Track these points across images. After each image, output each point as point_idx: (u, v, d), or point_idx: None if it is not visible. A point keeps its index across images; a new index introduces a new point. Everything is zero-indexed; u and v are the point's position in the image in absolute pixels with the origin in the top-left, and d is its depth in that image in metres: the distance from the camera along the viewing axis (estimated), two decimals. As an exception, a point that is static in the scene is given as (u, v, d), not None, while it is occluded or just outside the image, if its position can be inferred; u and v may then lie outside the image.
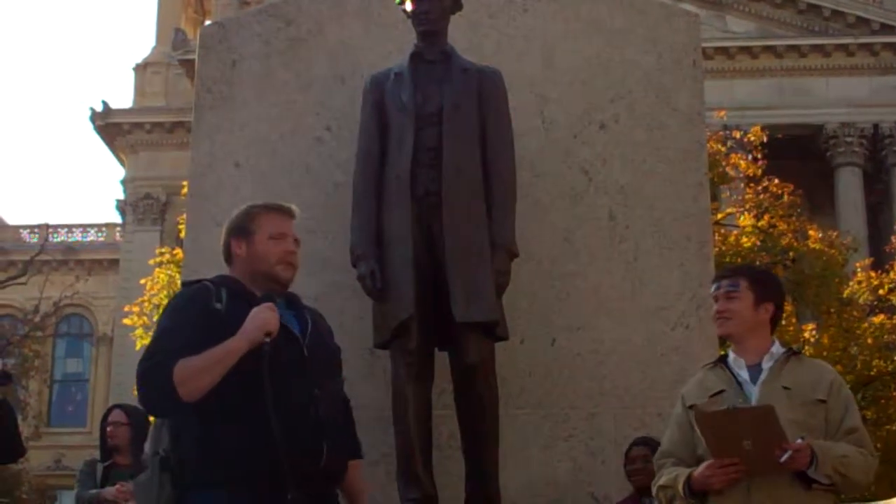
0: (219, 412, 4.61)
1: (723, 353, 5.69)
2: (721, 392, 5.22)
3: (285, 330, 4.80)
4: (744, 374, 5.27)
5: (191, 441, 4.70)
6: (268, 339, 4.64)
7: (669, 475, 5.26)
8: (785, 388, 5.14)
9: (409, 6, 7.81)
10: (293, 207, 5.28)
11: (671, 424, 5.47)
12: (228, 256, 5.18)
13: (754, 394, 5.17)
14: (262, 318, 4.67)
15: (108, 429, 8.85)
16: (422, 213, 7.47)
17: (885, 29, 43.43)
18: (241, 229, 5.12)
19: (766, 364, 5.27)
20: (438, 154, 7.54)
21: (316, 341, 4.95)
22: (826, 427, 5.10)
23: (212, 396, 4.61)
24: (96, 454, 9.21)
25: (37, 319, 44.90)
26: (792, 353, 5.36)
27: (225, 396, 4.61)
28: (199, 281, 5.06)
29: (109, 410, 9.21)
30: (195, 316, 4.75)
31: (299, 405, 4.65)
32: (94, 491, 8.56)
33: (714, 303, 5.40)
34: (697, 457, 5.18)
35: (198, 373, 4.57)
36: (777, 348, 5.35)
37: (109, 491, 8.39)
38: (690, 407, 5.27)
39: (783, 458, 4.85)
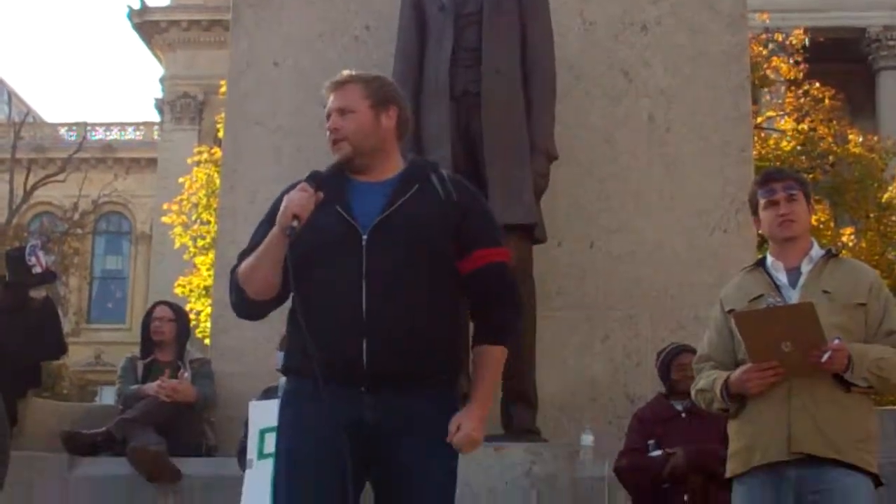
0: (296, 300, 4.46)
1: (760, 255, 5.66)
2: (760, 296, 5.20)
3: (338, 216, 4.42)
4: (782, 278, 5.24)
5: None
6: (294, 224, 4.29)
7: (708, 379, 5.25)
8: (825, 291, 5.11)
9: None
10: (341, 75, 4.72)
11: (710, 328, 5.45)
12: None
13: (794, 298, 5.14)
14: (288, 200, 4.35)
15: (154, 324, 8.87)
16: (460, 113, 7.44)
17: (933, -70, 42.76)
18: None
19: (806, 267, 5.24)
20: (478, 54, 7.50)
21: (396, 228, 4.42)
22: (865, 330, 5.09)
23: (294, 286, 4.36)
24: (136, 350, 9.26)
25: (76, 217, 45.02)
26: (831, 255, 5.33)
27: (296, 285, 4.33)
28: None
29: (154, 306, 9.24)
30: (271, 214, 4.47)
31: (343, 298, 4.33)
32: (135, 386, 8.63)
33: (766, 207, 5.34)
34: (737, 361, 5.16)
35: (250, 270, 4.41)
36: (816, 251, 5.31)
37: (151, 386, 8.44)
38: (730, 311, 5.25)
39: (823, 359, 4.84)
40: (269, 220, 4.52)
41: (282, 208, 4.33)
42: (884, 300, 5.18)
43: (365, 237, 4.40)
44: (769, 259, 5.34)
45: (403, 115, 4.70)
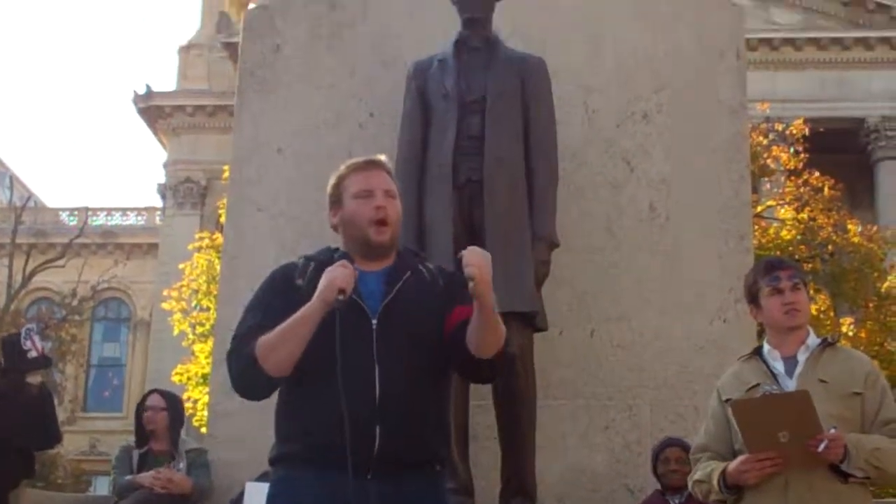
0: (296, 385, 4.44)
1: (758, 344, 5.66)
2: (757, 385, 5.20)
3: (353, 302, 4.39)
4: (779, 367, 5.25)
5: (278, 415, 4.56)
6: (341, 297, 4.28)
7: (705, 469, 5.24)
8: (822, 380, 5.11)
9: (454, -7, 7.81)
10: (379, 158, 4.79)
11: (707, 418, 5.45)
12: (333, 228, 4.80)
13: (790, 387, 5.15)
14: (332, 275, 4.34)
15: (146, 413, 8.84)
16: (463, 201, 7.47)
17: (930, 23, 43.15)
18: (332, 197, 4.72)
19: (802, 356, 5.25)
20: (481, 143, 7.54)
21: (397, 313, 4.46)
22: (862, 419, 5.08)
23: (294, 369, 4.39)
24: (132, 440, 9.21)
25: (75, 303, 45.02)
26: (827, 343, 5.33)
27: (301, 367, 4.38)
28: (305, 258, 4.71)
29: (147, 395, 9.21)
30: (275, 294, 4.53)
31: (356, 382, 4.32)
32: (129, 477, 8.57)
33: (770, 294, 5.35)
34: (734, 451, 5.15)
35: (277, 343, 4.35)
36: (812, 339, 5.32)
37: (145, 477, 8.39)
38: (727, 400, 5.24)
39: (820, 448, 4.82)
40: (266, 303, 4.53)
41: (326, 283, 4.32)
42: (880, 389, 5.18)
43: (375, 321, 4.42)
44: (766, 348, 5.36)
45: None
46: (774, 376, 5.20)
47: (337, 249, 4.67)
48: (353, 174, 4.66)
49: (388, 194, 4.63)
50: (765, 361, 5.28)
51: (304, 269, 4.57)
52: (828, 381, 5.11)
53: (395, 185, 4.69)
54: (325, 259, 4.53)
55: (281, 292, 4.53)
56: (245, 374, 4.47)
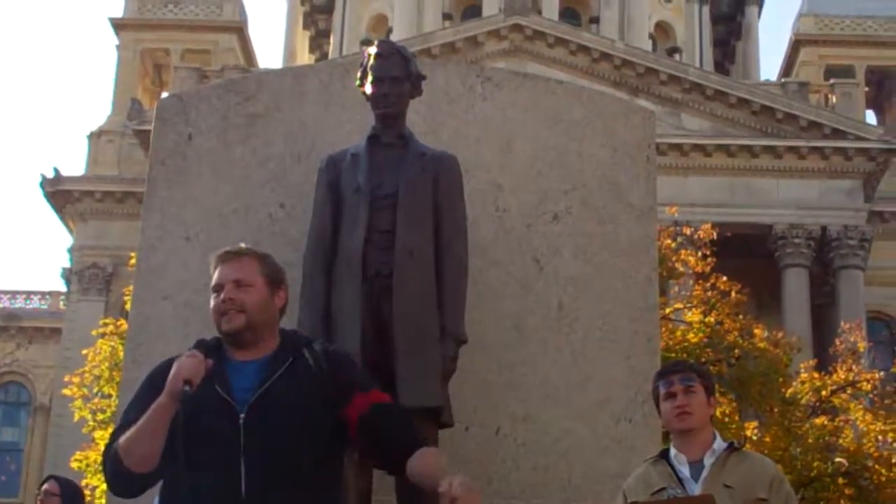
0: (168, 477, 4.38)
1: (663, 448, 5.67)
2: (662, 489, 5.20)
3: (215, 393, 4.39)
4: (685, 471, 5.27)
5: None
6: (187, 388, 4.25)
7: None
8: (726, 486, 5.13)
9: (368, 89, 7.82)
10: (238, 247, 4.85)
11: (613, 519, 5.45)
12: None
13: (696, 492, 5.16)
14: (178, 366, 4.33)
15: (40, 499, 8.76)
16: (372, 293, 7.45)
17: (836, 133, 44.06)
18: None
19: (708, 460, 5.27)
20: (391, 236, 7.54)
21: (272, 405, 4.41)
22: (767, 526, 5.10)
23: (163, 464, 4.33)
24: (27, 527, 9.11)
25: (-26, 385, 44.38)
26: (733, 448, 5.36)
27: (169, 462, 4.32)
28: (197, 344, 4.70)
29: (44, 481, 9.13)
30: (150, 389, 4.48)
31: (219, 479, 4.26)
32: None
33: (664, 398, 5.37)
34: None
35: (133, 441, 4.31)
36: (719, 443, 5.35)
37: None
38: (632, 503, 5.24)
39: (721, 554, 4.83)
40: (142, 398, 4.48)
41: (172, 374, 4.30)
42: (784, 496, 5.21)
43: (242, 416, 4.36)
44: (672, 451, 5.37)
45: (287, 297, 4.71)
46: (680, 480, 5.21)
47: (206, 341, 4.64)
48: (215, 268, 4.67)
49: (239, 284, 4.62)
50: (671, 465, 5.29)
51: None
52: (733, 486, 5.14)
53: (257, 270, 4.67)
54: (212, 346, 4.49)
55: (153, 388, 4.49)
56: (113, 473, 4.43)
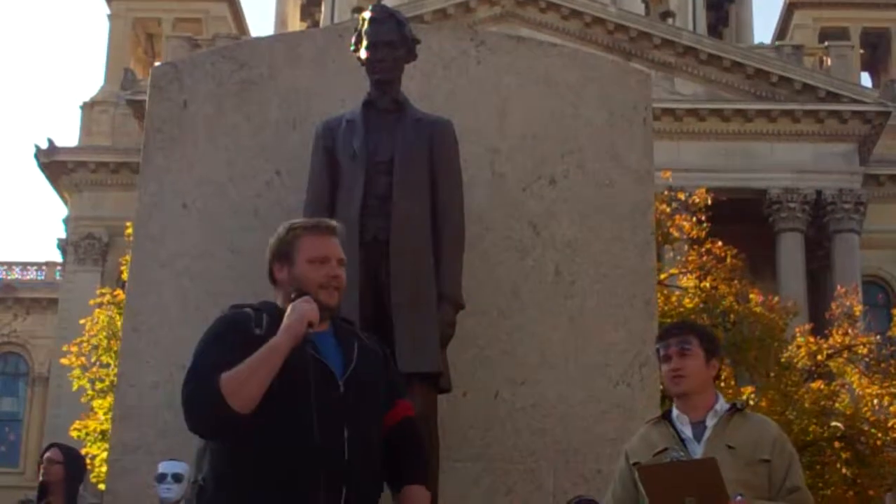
0: (256, 428, 4.43)
1: (665, 409, 5.66)
2: (665, 450, 5.20)
3: (319, 363, 4.54)
4: (687, 432, 5.25)
5: (226, 461, 4.55)
6: (311, 330, 4.44)
7: (611, 533, 5.24)
8: (729, 447, 5.12)
9: (363, 54, 7.80)
10: (334, 224, 4.93)
11: (615, 480, 5.45)
12: (273, 280, 4.87)
13: (698, 452, 5.16)
14: (301, 309, 4.45)
15: (42, 466, 8.79)
16: (369, 260, 7.44)
17: (831, 97, 43.98)
18: (282, 253, 4.79)
19: (710, 421, 5.25)
20: (388, 202, 7.54)
21: (360, 377, 4.62)
22: (769, 486, 5.09)
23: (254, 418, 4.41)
24: (29, 494, 9.12)
25: (-29, 357, 44.47)
26: (736, 409, 5.34)
27: (262, 417, 4.40)
28: (241, 306, 4.78)
29: (47, 448, 9.15)
30: (234, 340, 4.52)
31: (327, 441, 4.41)
32: (25, 531, 8.50)
33: (662, 361, 5.37)
34: (641, 514, 5.15)
35: (246, 379, 4.36)
36: (721, 405, 5.33)
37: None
38: (635, 464, 5.24)
39: (724, 516, 4.83)
40: (222, 341, 4.55)
41: (295, 317, 4.45)
42: (787, 456, 5.20)
43: (341, 385, 4.54)
44: (675, 412, 5.36)
45: None
46: (682, 441, 5.21)
47: (273, 304, 4.73)
48: (309, 237, 4.73)
49: (342, 262, 4.78)
50: (673, 425, 5.28)
51: (258, 320, 4.63)
52: (735, 447, 5.13)
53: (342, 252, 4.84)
54: (275, 311, 4.57)
55: (235, 340, 4.55)
56: (208, 411, 4.44)
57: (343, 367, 4.60)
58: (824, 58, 47.27)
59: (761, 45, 51.55)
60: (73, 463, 8.99)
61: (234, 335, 4.58)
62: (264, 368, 4.39)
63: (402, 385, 4.99)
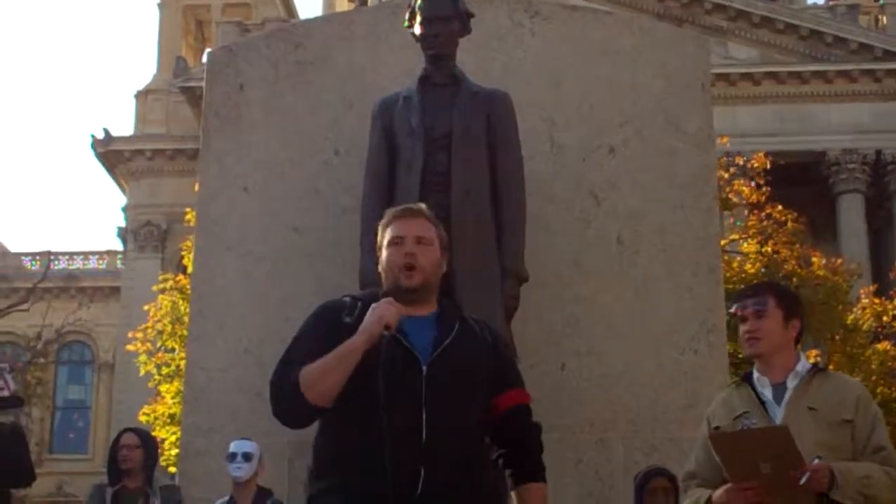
0: (335, 419, 4.50)
1: (745, 371, 5.59)
2: (745, 413, 5.13)
3: (399, 348, 4.52)
4: (768, 394, 5.16)
5: (314, 446, 4.64)
6: (386, 333, 4.41)
7: (692, 498, 5.18)
8: (811, 408, 5.03)
9: (417, 30, 7.79)
10: (419, 206, 4.90)
11: (697, 445, 5.37)
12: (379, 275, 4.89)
13: (779, 415, 5.07)
14: (379, 311, 4.44)
15: (122, 451, 8.82)
16: (431, 237, 7.43)
17: (888, 55, 43.42)
18: (378, 245, 4.82)
19: (791, 383, 5.15)
20: (447, 178, 7.52)
21: (452, 360, 4.55)
22: (853, 446, 5.00)
23: (337, 406, 4.47)
24: (102, 479, 9.15)
25: (39, 346, 44.88)
26: (818, 369, 5.25)
27: (340, 401, 4.46)
28: (349, 296, 4.81)
29: (121, 434, 9.19)
30: (322, 329, 4.58)
31: (402, 425, 4.41)
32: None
33: (740, 322, 5.30)
34: (723, 478, 5.09)
35: (321, 374, 4.42)
36: (803, 365, 5.23)
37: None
38: (716, 428, 5.18)
39: (802, 480, 4.76)
40: (312, 335, 4.61)
41: (373, 319, 4.43)
42: (871, 416, 5.10)
43: (425, 368, 4.49)
44: (755, 374, 5.28)
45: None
46: (763, 403, 5.13)
47: (376, 292, 4.72)
48: (393, 222, 4.73)
49: (420, 241, 4.70)
50: (753, 388, 5.21)
51: (352, 308, 4.64)
52: (817, 408, 5.03)
53: (434, 233, 4.76)
54: (373, 300, 4.57)
55: (330, 327, 4.59)
56: (287, 402, 4.54)
57: (432, 350, 4.56)
58: (880, 16, 46.67)
59: (815, 6, 50.98)
60: (149, 446, 9.04)
61: (322, 325, 4.62)
62: (341, 366, 4.42)
63: (515, 373, 4.91)
